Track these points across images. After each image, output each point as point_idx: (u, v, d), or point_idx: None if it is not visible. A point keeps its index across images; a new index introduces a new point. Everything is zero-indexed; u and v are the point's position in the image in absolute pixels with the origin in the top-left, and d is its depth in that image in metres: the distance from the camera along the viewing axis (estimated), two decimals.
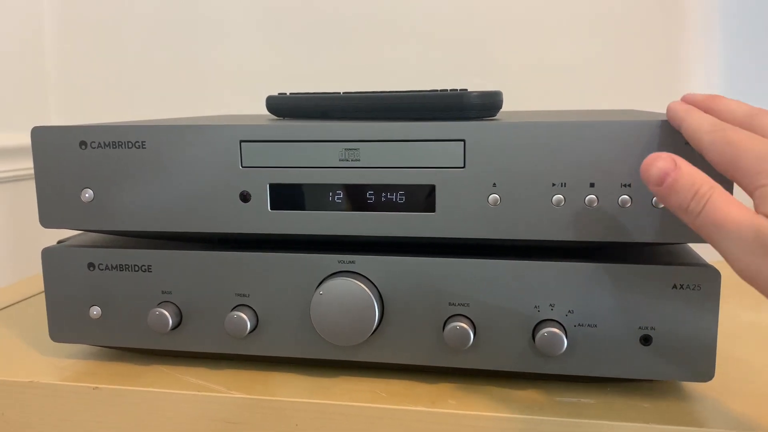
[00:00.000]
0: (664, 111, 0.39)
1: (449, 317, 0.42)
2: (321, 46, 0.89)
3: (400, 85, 0.85)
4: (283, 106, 0.55)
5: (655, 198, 0.38)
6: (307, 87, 0.83)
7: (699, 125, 0.35)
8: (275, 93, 0.55)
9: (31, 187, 0.46)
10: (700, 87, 0.80)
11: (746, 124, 0.34)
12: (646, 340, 0.40)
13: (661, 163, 0.33)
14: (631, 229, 0.39)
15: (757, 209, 0.30)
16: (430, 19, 0.86)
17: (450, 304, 0.42)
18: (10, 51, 0.89)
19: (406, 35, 0.87)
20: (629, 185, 0.39)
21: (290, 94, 0.56)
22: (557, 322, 0.41)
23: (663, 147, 0.38)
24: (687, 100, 0.40)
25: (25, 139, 0.44)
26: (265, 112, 0.56)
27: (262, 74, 0.91)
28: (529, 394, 0.42)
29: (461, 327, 0.41)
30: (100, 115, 0.96)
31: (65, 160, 0.44)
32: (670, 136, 0.38)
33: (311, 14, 0.88)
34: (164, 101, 0.95)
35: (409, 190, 0.41)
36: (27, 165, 0.88)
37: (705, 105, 0.38)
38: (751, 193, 0.31)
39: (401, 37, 0.87)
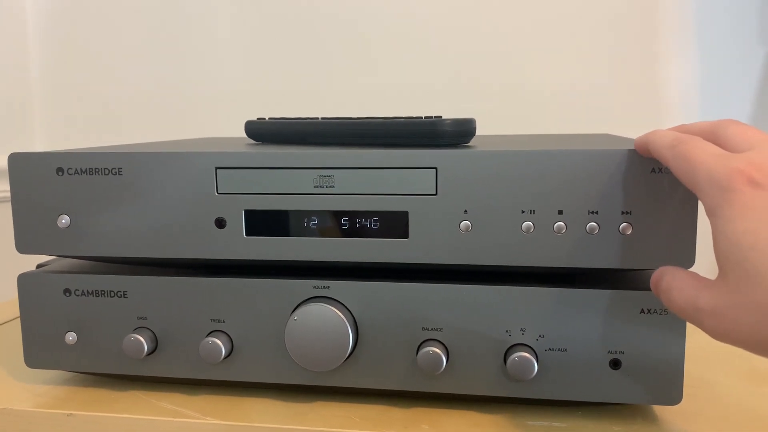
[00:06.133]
0: (641, 134, 0.40)
1: (422, 342, 0.43)
2: (303, 70, 0.90)
3: (382, 109, 0.86)
4: (261, 131, 0.55)
5: (622, 225, 0.39)
6: (288, 110, 0.84)
7: (661, 141, 0.36)
8: (258, 114, 0.56)
9: (8, 209, 0.46)
10: (676, 109, 0.82)
11: (710, 136, 0.35)
12: (615, 364, 0.41)
13: None
14: (599, 255, 0.40)
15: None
16: (410, 46, 0.87)
17: (423, 328, 0.43)
18: None
19: (387, 61, 0.88)
20: (596, 212, 0.39)
21: (269, 119, 0.57)
22: (528, 346, 0.41)
23: (629, 175, 0.39)
24: None
25: (3, 162, 0.44)
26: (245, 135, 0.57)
27: (245, 96, 0.91)
28: (501, 419, 0.43)
29: (434, 352, 0.41)
30: (82, 136, 0.97)
31: (42, 186, 0.45)
32: (636, 164, 0.39)
33: (295, 40, 0.89)
34: (148, 123, 0.95)
35: (383, 216, 0.42)
36: (4, 187, 0.87)
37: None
38: (706, 211, 0.32)
39: (383, 62, 0.88)
